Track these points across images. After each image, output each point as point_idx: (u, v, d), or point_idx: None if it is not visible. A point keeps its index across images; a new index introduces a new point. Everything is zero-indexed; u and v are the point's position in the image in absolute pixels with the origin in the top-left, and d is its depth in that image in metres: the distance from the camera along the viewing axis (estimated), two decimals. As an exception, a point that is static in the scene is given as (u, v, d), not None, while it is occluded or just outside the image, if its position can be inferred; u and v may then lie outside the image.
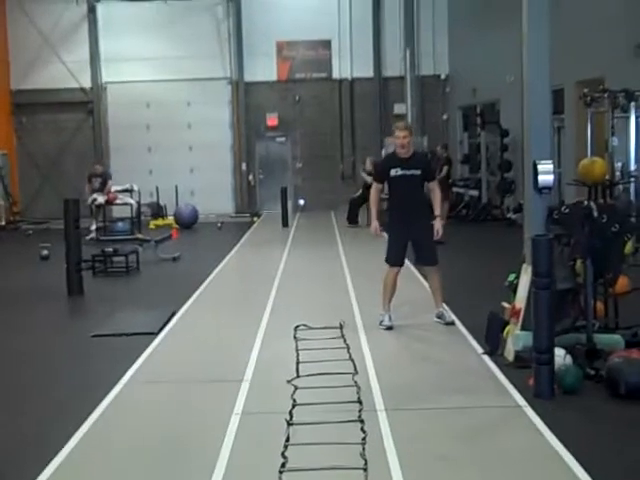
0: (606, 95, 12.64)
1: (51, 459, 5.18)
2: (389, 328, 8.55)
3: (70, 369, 7.68)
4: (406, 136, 8.54)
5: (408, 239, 8.66)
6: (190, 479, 4.86)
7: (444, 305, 8.91)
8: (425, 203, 8.80)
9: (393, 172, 8.59)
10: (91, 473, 5.07)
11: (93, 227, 18.67)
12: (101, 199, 19.16)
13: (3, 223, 22.02)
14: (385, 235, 8.89)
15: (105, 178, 19.81)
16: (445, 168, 20.20)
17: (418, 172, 8.57)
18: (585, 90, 13.16)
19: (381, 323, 8.62)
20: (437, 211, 8.80)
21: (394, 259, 8.69)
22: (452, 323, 8.64)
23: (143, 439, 5.62)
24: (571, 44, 14.62)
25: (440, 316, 8.76)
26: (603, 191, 10.01)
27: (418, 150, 9.19)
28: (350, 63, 25.38)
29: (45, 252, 15.33)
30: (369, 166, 20.60)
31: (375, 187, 8.99)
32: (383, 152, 23.87)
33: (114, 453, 5.38)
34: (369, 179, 20.11)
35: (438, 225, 8.65)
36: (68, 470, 5.09)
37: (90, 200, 19.00)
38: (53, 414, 6.31)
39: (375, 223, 8.84)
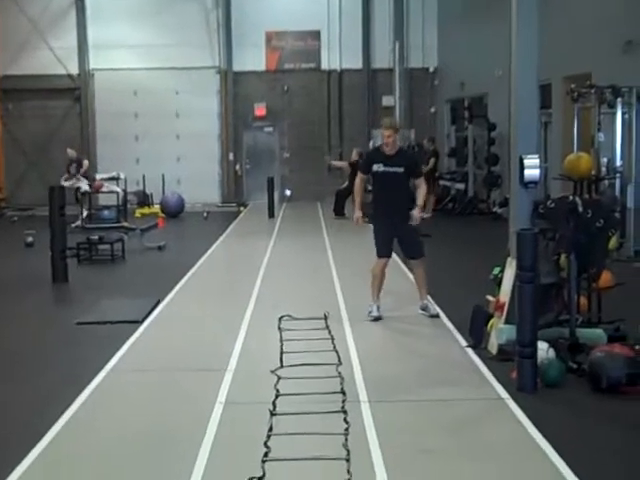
0: (593, 91, 12.68)
1: (34, 446, 5.18)
2: (377, 319, 8.58)
3: (54, 356, 7.66)
4: (390, 135, 8.53)
5: (393, 234, 8.69)
6: (172, 467, 4.86)
7: (429, 297, 8.93)
8: (409, 200, 8.79)
9: (375, 167, 8.62)
10: (74, 460, 5.06)
11: (84, 215, 18.51)
12: (85, 186, 19.01)
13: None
14: (365, 224, 8.90)
15: (79, 160, 19.59)
16: (432, 161, 20.33)
17: (401, 169, 8.55)
18: (572, 85, 13.20)
19: (369, 314, 8.64)
20: (419, 201, 8.76)
21: (381, 250, 8.71)
22: (436, 315, 8.67)
23: (126, 427, 5.62)
24: (559, 39, 14.65)
25: (424, 308, 8.79)
26: (589, 186, 10.04)
27: (405, 147, 9.19)
28: (339, 54, 25.33)
29: (30, 239, 15.27)
30: (355, 156, 20.63)
31: (360, 177, 8.98)
32: (371, 144, 23.95)
33: (97, 440, 5.38)
34: (340, 164, 20.76)
35: (416, 212, 8.61)
36: (51, 457, 5.09)
37: (70, 184, 18.67)
38: (37, 401, 6.29)
39: (358, 213, 8.87)
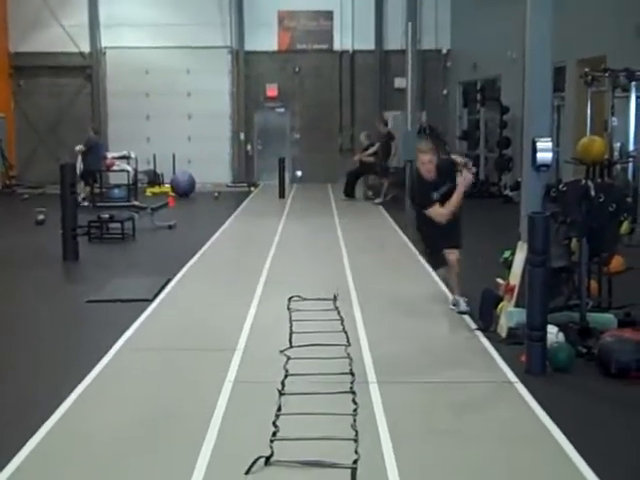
0: (607, 74, 12.60)
1: (41, 425, 5.19)
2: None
3: (64, 334, 7.70)
4: (431, 160, 8.03)
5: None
6: (181, 445, 4.88)
7: None
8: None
9: (435, 196, 8.07)
10: (81, 440, 5.07)
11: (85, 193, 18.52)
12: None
13: (-1, 187, 21.97)
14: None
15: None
16: (376, 146, 19.88)
17: (451, 185, 8.12)
18: (586, 69, 13.11)
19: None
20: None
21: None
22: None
23: (135, 405, 5.64)
24: (574, 22, 14.53)
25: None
26: (601, 170, 10.03)
27: (440, 161, 8.26)
28: (351, 35, 25.19)
29: (41, 217, 15.30)
30: (364, 140, 20.54)
31: (434, 210, 8.13)
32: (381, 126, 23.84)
33: (106, 419, 5.40)
34: (369, 159, 20.11)
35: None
36: (58, 436, 5.11)
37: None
38: (45, 379, 6.33)
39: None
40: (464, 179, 8.09)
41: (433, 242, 8.55)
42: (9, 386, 6.17)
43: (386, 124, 20.62)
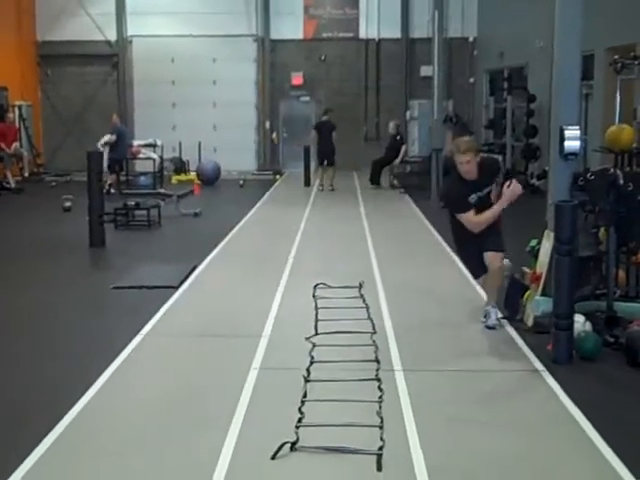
0: (637, 62, 12.44)
1: (69, 408, 5.25)
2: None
3: (90, 320, 7.75)
4: (470, 161, 7.09)
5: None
6: (207, 432, 4.91)
7: None
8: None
9: (472, 199, 7.20)
10: (109, 423, 5.13)
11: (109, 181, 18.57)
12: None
13: (27, 174, 22.08)
14: None
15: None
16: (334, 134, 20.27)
17: (491, 188, 7.40)
18: (616, 57, 12.96)
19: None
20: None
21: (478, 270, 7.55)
22: None
23: (161, 391, 5.68)
24: (603, 9, 14.38)
25: None
26: (630, 159, 9.94)
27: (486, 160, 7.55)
28: (377, 23, 25.07)
29: (68, 204, 15.41)
30: (393, 129, 20.49)
31: (467, 217, 7.20)
32: (407, 114, 23.77)
33: (132, 404, 5.44)
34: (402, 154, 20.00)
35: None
36: (86, 420, 5.16)
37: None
38: (72, 364, 6.38)
39: None
40: (512, 191, 7.12)
41: (466, 248, 7.58)
42: (37, 369, 6.23)
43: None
